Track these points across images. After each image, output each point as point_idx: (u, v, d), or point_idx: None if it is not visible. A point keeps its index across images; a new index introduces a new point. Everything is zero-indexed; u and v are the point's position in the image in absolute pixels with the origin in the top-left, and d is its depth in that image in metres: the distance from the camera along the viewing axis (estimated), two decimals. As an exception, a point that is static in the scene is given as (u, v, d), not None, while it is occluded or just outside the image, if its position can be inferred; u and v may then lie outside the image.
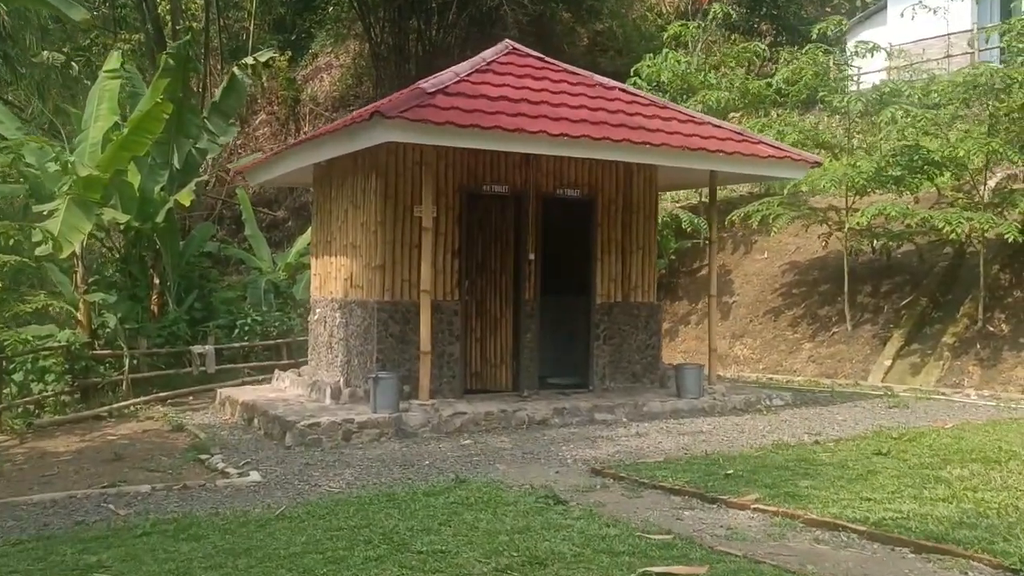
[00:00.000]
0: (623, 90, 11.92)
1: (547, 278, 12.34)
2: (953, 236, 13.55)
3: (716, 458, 8.53)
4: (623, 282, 12.65)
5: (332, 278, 12.56)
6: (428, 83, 10.31)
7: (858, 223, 14.71)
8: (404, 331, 11.05)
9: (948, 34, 23.61)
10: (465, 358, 11.82)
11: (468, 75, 10.71)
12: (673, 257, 20.09)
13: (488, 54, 11.67)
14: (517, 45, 12.32)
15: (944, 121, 14.99)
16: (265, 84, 32.77)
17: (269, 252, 20.24)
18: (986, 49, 23.56)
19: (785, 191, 17.09)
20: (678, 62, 20.51)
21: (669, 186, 15.00)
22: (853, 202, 16.53)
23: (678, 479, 7.57)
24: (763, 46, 20.87)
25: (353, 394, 10.96)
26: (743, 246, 20.21)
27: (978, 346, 14.72)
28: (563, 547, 5.62)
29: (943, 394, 13.41)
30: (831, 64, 19.79)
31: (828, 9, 29.98)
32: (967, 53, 24.46)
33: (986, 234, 14.69)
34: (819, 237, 17.96)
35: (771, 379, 15.68)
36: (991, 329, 14.89)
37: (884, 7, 27.16)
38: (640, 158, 10.75)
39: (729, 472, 7.81)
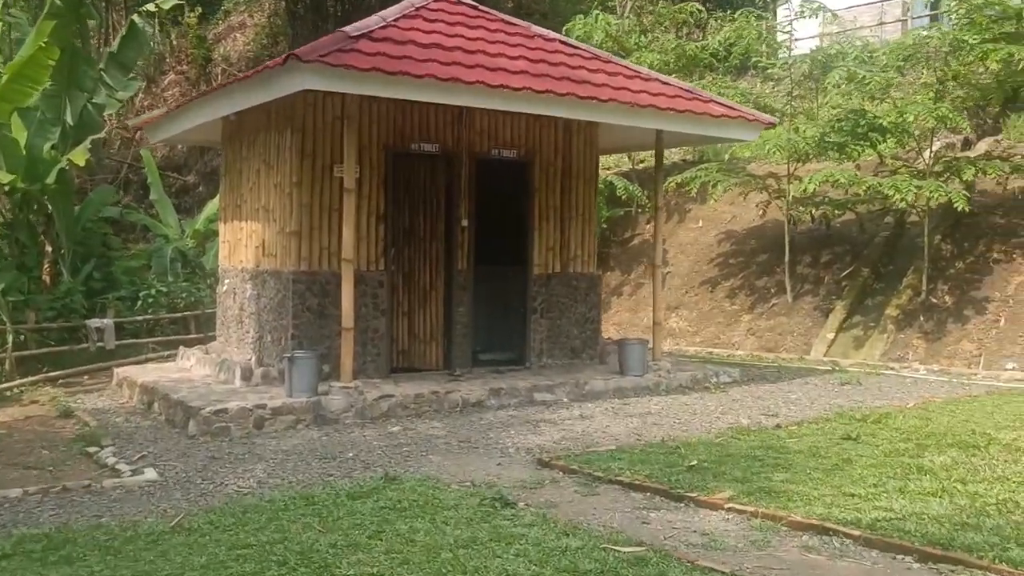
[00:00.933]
0: (564, 43, 10.95)
1: (481, 247, 11.39)
2: (901, 204, 12.97)
3: (674, 446, 7.70)
4: (562, 251, 11.75)
5: (243, 245, 11.37)
6: (351, 27, 9.18)
7: (804, 191, 14.05)
8: (323, 304, 9.98)
9: (882, 0, 23.20)
10: (392, 334, 10.82)
11: (395, 20, 9.60)
12: (605, 226, 19.28)
13: (417, 0, 10.57)
14: (448, -9, 11.26)
15: (887, 86, 14.39)
16: (174, 42, 30.90)
17: (177, 218, 18.75)
18: (920, 16, 23.27)
19: (726, 157, 16.38)
20: (609, 24, 19.64)
21: (610, 148, 14.12)
22: (794, 169, 15.92)
23: (637, 472, 6.72)
24: (699, 7, 20.09)
25: (266, 375, 9.85)
26: (676, 215, 19.48)
27: (922, 318, 14.27)
28: (519, 567, 4.70)
29: (892, 369, 12.90)
30: (764, 29, 19.21)
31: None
32: (899, 20, 24.17)
33: (930, 203, 14.21)
34: (757, 206, 17.35)
35: (711, 353, 15.02)
36: (934, 301, 14.45)
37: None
38: (585, 115, 9.81)
39: (692, 463, 6.98)
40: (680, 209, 19.42)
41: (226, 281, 11.81)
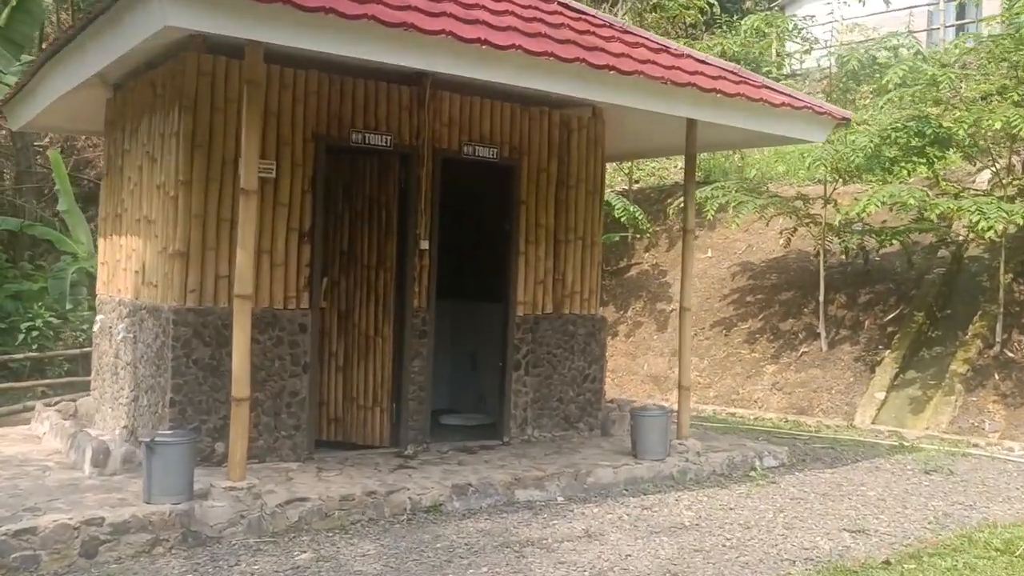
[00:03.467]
0: (566, 5, 8.04)
1: (446, 277, 8.50)
2: (990, 234, 10.13)
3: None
4: (555, 286, 8.82)
5: (121, 269, 8.35)
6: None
7: (860, 213, 11.17)
8: (218, 357, 6.96)
9: (910, 7, 20.56)
10: (318, 397, 7.83)
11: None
12: (598, 253, 16.41)
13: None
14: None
15: (956, 86, 11.61)
16: (75, 14, 27.62)
17: (89, 233, 15.66)
18: (951, 25, 20.73)
19: (752, 174, 13.54)
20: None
21: (618, 153, 11.15)
22: (834, 189, 13.13)
23: None
24: (710, 1, 17.33)
25: (131, 458, 6.79)
26: (680, 242, 16.60)
27: (996, 376, 11.43)
28: None
29: (976, 446, 10.00)
30: (791, 26, 16.52)
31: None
32: (929, 30, 21.61)
33: (1006, 233, 11.42)
34: (781, 233, 14.54)
35: (733, 415, 12.10)
36: (1011, 355, 11.64)
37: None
38: (600, 92, 6.88)
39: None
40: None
41: (99, 317, 8.77)
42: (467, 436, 8.76)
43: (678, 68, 7.30)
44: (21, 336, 12.63)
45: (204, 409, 6.91)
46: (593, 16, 8.04)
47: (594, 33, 7.33)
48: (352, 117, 7.63)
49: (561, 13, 7.66)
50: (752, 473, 8.20)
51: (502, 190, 8.61)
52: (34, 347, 12.66)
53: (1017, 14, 11.35)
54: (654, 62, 7.19)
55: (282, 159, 7.27)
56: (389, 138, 7.78)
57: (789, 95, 7.82)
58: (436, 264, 8.05)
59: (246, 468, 6.10)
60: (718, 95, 7.19)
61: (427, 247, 7.95)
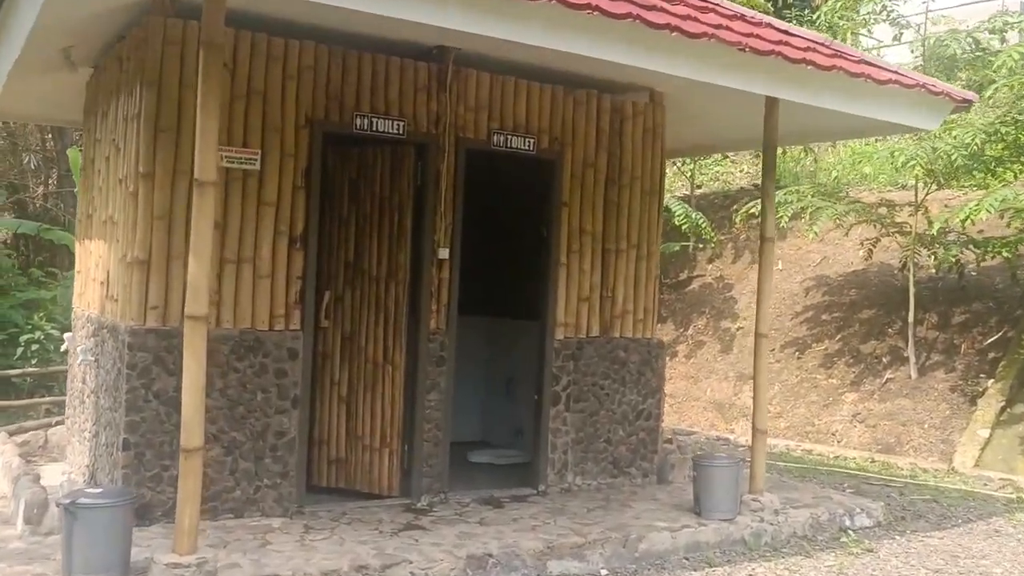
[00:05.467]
0: (616, -35, 6.63)
1: (481, 290, 7.15)
2: None
3: None
4: (603, 304, 7.37)
5: (91, 279, 7.13)
6: None
7: (964, 222, 9.55)
8: (185, 388, 5.66)
9: (1001, -3, 18.63)
10: (314, 435, 6.52)
11: None
12: (655, 264, 14.91)
13: None
14: None
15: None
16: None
17: (109, 238, 14.63)
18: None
19: (834, 177, 11.96)
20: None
21: (681, 147, 9.57)
22: (926, 194, 11.49)
23: None
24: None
25: (74, 512, 5.51)
26: (748, 253, 15.06)
27: (1125, 414, 9.73)
28: None
29: (1111, 502, 8.33)
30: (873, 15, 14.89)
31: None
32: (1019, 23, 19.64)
33: None
34: (863, 243, 12.89)
35: (811, 453, 10.53)
36: None
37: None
38: (659, 62, 5.42)
39: None
40: (751, 246, 14.95)
41: (67, 335, 7.56)
42: (497, 479, 7.39)
43: (758, 36, 5.84)
44: (20, 349, 11.58)
45: (167, 453, 5.61)
46: (651, -22, 6.62)
47: (652, -7, 5.90)
48: (357, 98, 6.30)
49: (612, -29, 6.26)
50: (842, 538, 6.67)
51: (540, 189, 7.21)
52: (34, 361, 11.59)
53: None
54: (728, 27, 5.73)
55: (268, 147, 5.96)
56: (402, 124, 6.43)
57: (897, 71, 6.29)
58: (458, 276, 6.68)
59: (202, 533, 4.78)
60: (809, 67, 5.70)
61: (447, 256, 6.58)
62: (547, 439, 7.05)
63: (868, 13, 12.45)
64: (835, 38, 15.18)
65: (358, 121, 6.28)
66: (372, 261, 6.66)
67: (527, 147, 6.94)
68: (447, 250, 6.58)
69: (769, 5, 16.12)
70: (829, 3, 14.01)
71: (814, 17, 15.87)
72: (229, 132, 5.82)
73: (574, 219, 7.20)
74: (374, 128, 6.35)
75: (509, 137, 6.85)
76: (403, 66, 6.44)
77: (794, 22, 17.91)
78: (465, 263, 6.84)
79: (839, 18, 15.17)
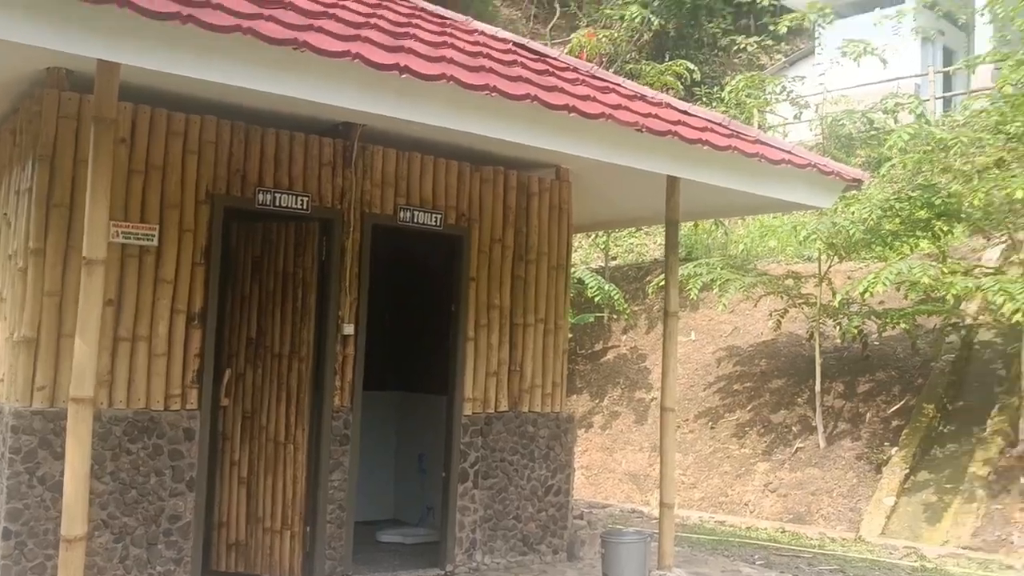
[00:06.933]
0: (523, 46, 6.77)
1: (383, 366, 7.05)
2: (1017, 317, 8.81)
3: None
4: (511, 378, 7.35)
5: (-20, 358, 6.85)
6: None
7: (864, 294, 9.86)
8: (72, 473, 5.42)
9: (897, 79, 19.59)
10: (212, 519, 6.29)
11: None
12: (570, 335, 14.99)
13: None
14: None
15: (969, 150, 10.40)
16: None
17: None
18: (940, 97, 19.77)
19: (740, 250, 12.26)
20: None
21: (587, 223, 9.78)
22: (829, 267, 11.84)
23: None
24: (690, 66, 16.22)
25: (-52, 607, 5.22)
26: (660, 324, 15.24)
27: (1022, 480, 10.01)
28: None
29: (1010, 567, 8.50)
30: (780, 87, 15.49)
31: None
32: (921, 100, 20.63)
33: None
34: (771, 315, 13.18)
35: (722, 525, 10.56)
36: (1036, 455, 10.23)
37: (811, 51, 23.39)
38: (558, 142, 5.51)
39: None
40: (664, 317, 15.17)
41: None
42: (405, 559, 7.22)
43: (656, 116, 5.99)
44: None
45: (51, 542, 5.34)
46: (556, 59, 6.78)
47: (554, 74, 6.03)
48: (260, 174, 6.25)
49: (516, 52, 6.41)
50: (752, 613, 6.67)
51: (448, 264, 7.22)
52: None
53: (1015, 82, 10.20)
54: (627, 108, 5.87)
55: (167, 223, 5.85)
56: (306, 200, 6.39)
57: (790, 151, 6.51)
58: (363, 352, 6.59)
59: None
60: (705, 147, 5.85)
61: (352, 332, 6.50)
62: (455, 517, 6.94)
63: (770, 93, 12.91)
64: (742, 115, 15.80)
65: (261, 196, 6.22)
66: (275, 338, 6.54)
67: (434, 223, 6.95)
68: (352, 326, 6.50)
69: (679, 83, 16.65)
70: (735, 82, 14.54)
71: (723, 95, 16.43)
72: (126, 207, 5.70)
73: (482, 294, 7.20)
74: (277, 203, 6.30)
75: (416, 213, 6.85)
76: (308, 142, 6.42)
77: (703, 99, 18.59)
78: (377, 338, 6.77)
79: (746, 96, 15.80)
